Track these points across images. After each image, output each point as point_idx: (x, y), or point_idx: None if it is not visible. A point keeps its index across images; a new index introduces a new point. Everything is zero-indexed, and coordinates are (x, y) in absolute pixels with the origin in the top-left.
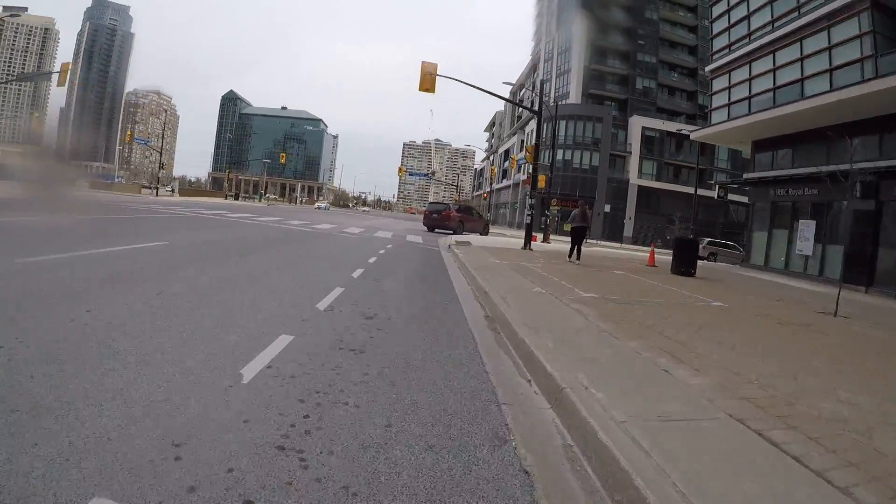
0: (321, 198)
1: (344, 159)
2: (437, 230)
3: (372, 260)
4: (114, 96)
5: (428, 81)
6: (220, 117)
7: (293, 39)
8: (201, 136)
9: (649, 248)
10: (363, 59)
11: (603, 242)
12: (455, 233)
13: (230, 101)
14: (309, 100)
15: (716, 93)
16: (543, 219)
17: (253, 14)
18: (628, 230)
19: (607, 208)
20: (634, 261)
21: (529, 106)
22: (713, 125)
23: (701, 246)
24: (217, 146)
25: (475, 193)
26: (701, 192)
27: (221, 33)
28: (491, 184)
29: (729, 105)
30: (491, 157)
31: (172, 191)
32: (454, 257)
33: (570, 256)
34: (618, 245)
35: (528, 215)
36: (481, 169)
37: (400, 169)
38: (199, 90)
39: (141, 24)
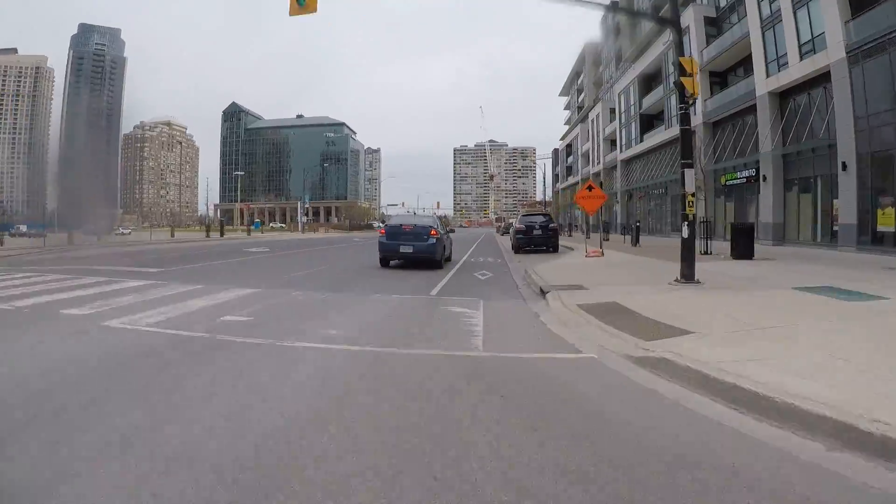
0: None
1: (393, 178)
2: None
3: None
4: (109, 131)
5: None
6: (224, 136)
7: (323, 65)
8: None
9: None
10: (396, 75)
11: None
12: None
13: (232, 116)
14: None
15: None
16: None
17: (285, 41)
18: None
19: None
20: None
21: None
22: None
23: None
24: (224, 172)
25: (562, 186)
26: None
27: (251, 63)
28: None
29: None
30: (590, 118)
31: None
32: None
33: None
34: None
35: None
36: (563, 147)
37: None
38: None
39: (163, 53)
